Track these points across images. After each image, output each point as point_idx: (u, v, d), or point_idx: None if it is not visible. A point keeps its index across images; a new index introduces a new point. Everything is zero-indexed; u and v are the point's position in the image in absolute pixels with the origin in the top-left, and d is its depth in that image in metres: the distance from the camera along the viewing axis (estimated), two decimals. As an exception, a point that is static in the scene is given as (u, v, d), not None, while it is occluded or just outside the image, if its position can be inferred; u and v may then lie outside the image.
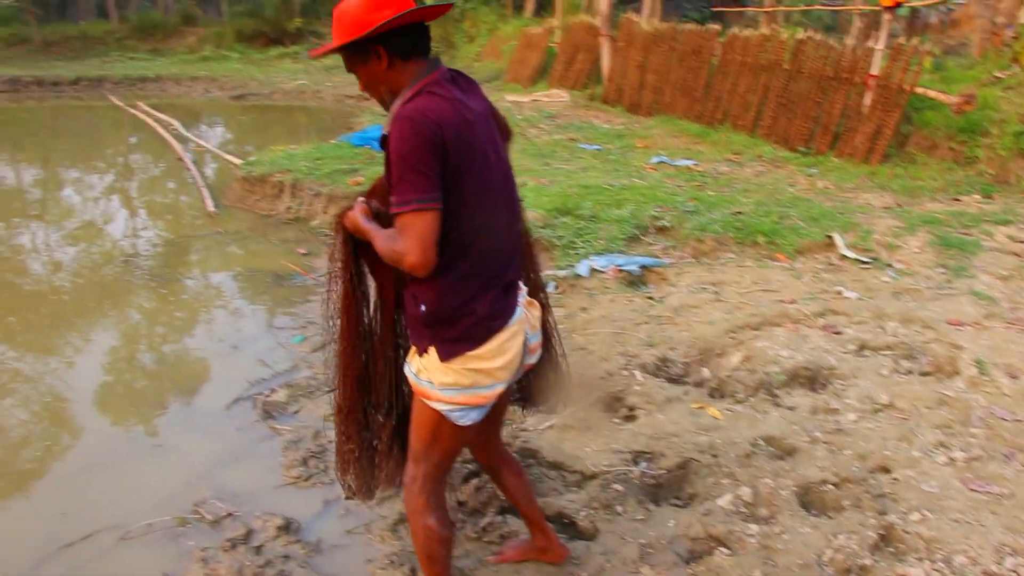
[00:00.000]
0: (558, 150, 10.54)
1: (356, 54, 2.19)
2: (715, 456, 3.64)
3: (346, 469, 2.82)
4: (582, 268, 5.88)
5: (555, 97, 15.31)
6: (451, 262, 2.19)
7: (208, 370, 5.29)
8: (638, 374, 4.43)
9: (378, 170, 8.78)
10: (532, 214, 6.62)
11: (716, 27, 12.75)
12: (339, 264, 2.52)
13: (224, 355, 5.43)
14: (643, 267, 5.97)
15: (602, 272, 5.85)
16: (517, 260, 2.46)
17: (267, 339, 5.62)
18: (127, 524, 3.60)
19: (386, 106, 2.26)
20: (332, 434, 4.14)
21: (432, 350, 2.27)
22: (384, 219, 2.30)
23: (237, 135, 16.64)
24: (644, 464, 3.66)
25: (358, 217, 2.33)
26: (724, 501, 3.33)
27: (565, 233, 6.50)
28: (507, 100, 15.33)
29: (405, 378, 2.51)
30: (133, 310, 6.45)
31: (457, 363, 2.25)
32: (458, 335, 2.24)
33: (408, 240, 2.05)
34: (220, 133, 16.62)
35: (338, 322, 2.57)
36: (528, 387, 2.96)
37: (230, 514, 3.61)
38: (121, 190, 11.90)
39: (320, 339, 5.42)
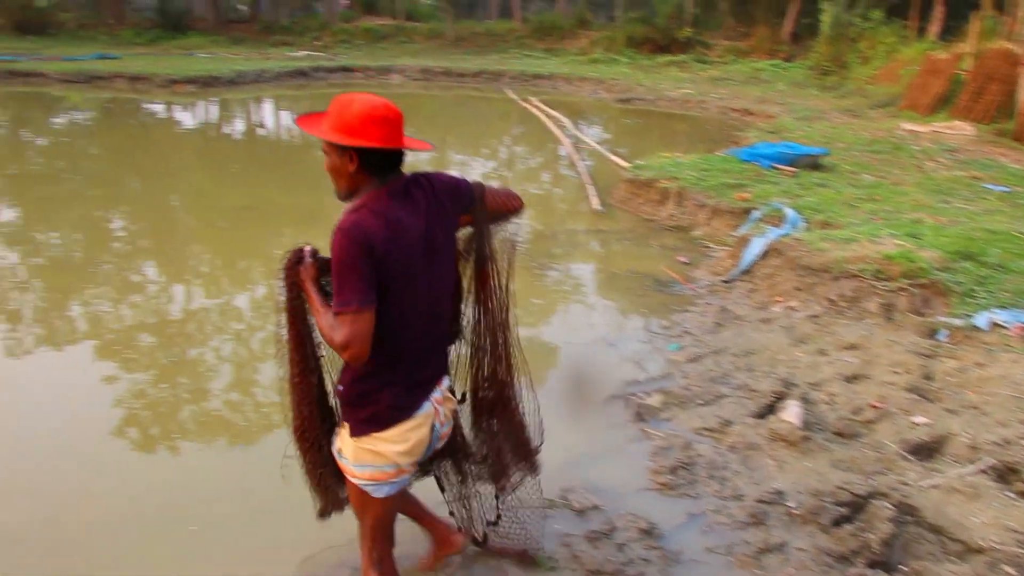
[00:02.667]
0: (958, 188, 9.76)
1: (334, 148, 2.39)
2: None
3: (313, 486, 2.93)
4: (981, 320, 5.43)
5: (957, 129, 14.16)
6: (369, 355, 2.39)
7: (586, 362, 5.53)
8: (1043, 447, 4.02)
9: (766, 188, 8.75)
10: (928, 254, 6.20)
11: None
12: (289, 308, 2.61)
13: (601, 350, 5.66)
14: (1054, 329, 5.38)
15: (1005, 328, 5.36)
16: (435, 361, 2.69)
17: (642, 342, 5.79)
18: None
19: (341, 197, 2.47)
20: (702, 448, 4.23)
21: (346, 426, 2.57)
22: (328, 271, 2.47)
23: (615, 137, 17.17)
24: (1042, 548, 3.33)
25: (308, 283, 2.52)
26: None
27: (965, 279, 6.02)
28: (903, 128, 14.43)
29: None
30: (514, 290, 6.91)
31: (365, 442, 2.52)
32: (366, 417, 2.51)
33: (348, 336, 2.28)
34: (597, 133, 17.21)
35: (289, 357, 2.68)
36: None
37: (596, 506, 3.78)
38: (502, 177, 12.80)
39: (696, 351, 5.48)
